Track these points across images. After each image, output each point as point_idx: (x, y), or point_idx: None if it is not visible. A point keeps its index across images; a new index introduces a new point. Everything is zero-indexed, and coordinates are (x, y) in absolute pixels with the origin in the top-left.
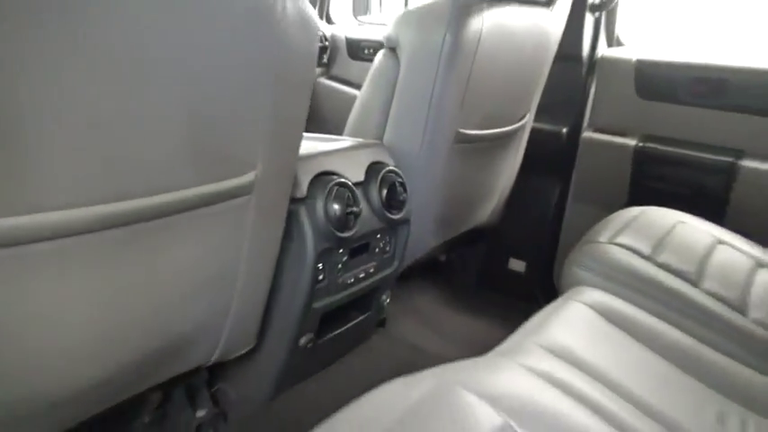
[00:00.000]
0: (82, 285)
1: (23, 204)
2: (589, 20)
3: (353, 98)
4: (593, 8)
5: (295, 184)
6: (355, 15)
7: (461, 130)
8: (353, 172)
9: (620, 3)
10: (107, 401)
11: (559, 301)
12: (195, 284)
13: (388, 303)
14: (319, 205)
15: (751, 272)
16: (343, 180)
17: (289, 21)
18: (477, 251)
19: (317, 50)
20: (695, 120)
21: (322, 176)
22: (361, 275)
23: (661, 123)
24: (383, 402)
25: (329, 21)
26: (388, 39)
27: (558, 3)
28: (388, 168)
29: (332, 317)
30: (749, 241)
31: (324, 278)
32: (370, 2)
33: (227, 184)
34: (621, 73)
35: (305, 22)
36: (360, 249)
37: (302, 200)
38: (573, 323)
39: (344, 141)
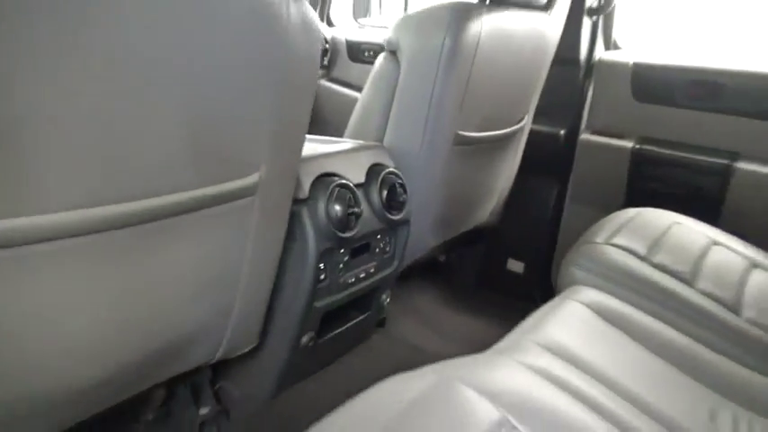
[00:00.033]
0: (84, 286)
1: (23, 206)
2: (587, 24)
3: (354, 100)
4: (591, 12)
5: (297, 185)
6: (355, 18)
7: (460, 133)
8: (354, 173)
9: (616, 7)
10: (110, 400)
11: (557, 300)
12: (199, 284)
13: (388, 303)
14: (321, 206)
15: (745, 272)
16: (344, 181)
17: (292, 25)
18: (476, 252)
19: (319, 54)
20: (691, 122)
21: (324, 178)
22: (362, 275)
23: (657, 126)
24: (384, 397)
25: (329, 23)
26: (389, 42)
27: (556, 6)
28: (388, 170)
29: (333, 316)
30: (744, 242)
31: (325, 278)
32: (370, 4)
33: (231, 186)
34: (618, 76)
35: (308, 26)
36: (360, 249)
37: (304, 201)
38: (570, 322)
39: (345, 143)
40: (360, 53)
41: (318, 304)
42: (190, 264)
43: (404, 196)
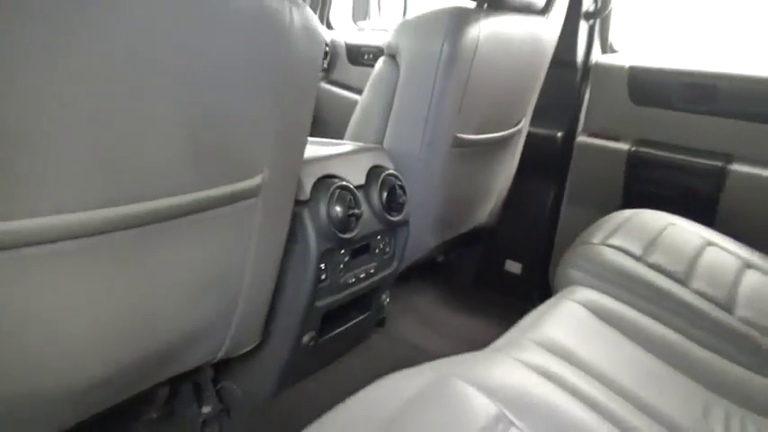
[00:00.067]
0: (86, 286)
1: (24, 208)
2: (583, 27)
3: (353, 102)
4: (588, 16)
5: (299, 186)
6: (355, 21)
7: (459, 135)
8: (355, 175)
9: (613, 10)
10: (113, 399)
11: (553, 299)
12: (202, 284)
13: (387, 303)
14: (322, 207)
15: (739, 272)
16: (344, 183)
17: (295, 31)
18: (475, 252)
19: (321, 59)
20: (686, 125)
21: (325, 179)
22: (362, 275)
23: (653, 128)
24: (384, 394)
25: (329, 26)
26: (389, 46)
27: (553, 10)
28: (388, 172)
29: (333, 316)
30: (738, 243)
31: (326, 278)
32: (369, 7)
33: (235, 188)
34: (615, 79)
35: (310, 32)
36: (361, 250)
37: (306, 202)
38: (566, 321)
39: (346, 145)
40: (359, 56)
41: (319, 304)
42: (194, 264)
43: (403, 198)
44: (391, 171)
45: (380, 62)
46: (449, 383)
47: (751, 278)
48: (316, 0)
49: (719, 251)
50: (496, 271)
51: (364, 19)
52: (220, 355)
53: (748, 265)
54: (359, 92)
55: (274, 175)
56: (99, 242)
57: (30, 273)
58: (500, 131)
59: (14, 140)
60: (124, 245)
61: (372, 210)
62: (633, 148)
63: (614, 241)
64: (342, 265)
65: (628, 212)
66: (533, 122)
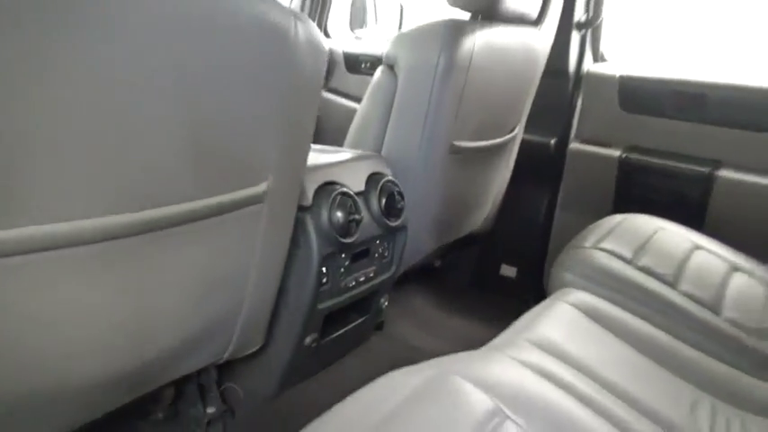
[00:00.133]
0: (96, 290)
1: (32, 216)
2: (575, 37)
3: (351, 110)
4: (579, 26)
5: (301, 193)
6: (352, 29)
7: (455, 142)
8: (355, 182)
9: (603, 21)
10: (122, 399)
11: (547, 301)
12: (209, 287)
13: (386, 306)
14: (324, 213)
15: (726, 275)
16: (345, 189)
17: (299, 44)
18: (471, 257)
19: (324, 71)
20: (676, 132)
21: (326, 186)
22: (362, 279)
23: (644, 135)
24: (385, 390)
25: (327, 35)
26: (387, 57)
27: (545, 21)
28: (386, 179)
29: (334, 319)
30: (725, 246)
31: (327, 281)
32: (366, 15)
33: (241, 194)
34: (606, 87)
35: (314, 45)
36: (361, 254)
37: (308, 208)
38: (560, 321)
39: (346, 153)
40: (357, 64)
41: (321, 306)
42: (200, 268)
43: (401, 203)
44: (390, 178)
45: (379, 72)
46: (447, 380)
47: (738, 281)
48: (314, 9)
49: (707, 254)
50: (492, 275)
51: (361, 27)
52: (226, 356)
53: (735, 268)
54: (356, 100)
55: (279, 182)
56: (107, 248)
57: (39, 278)
58: (495, 138)
59: (16, 151)
60: (132, 250)
61: (372, 215)
62: (624, 155)
63: (606, 245)
64: (342, 269)
65: (619, 217)
66: (527, 129)
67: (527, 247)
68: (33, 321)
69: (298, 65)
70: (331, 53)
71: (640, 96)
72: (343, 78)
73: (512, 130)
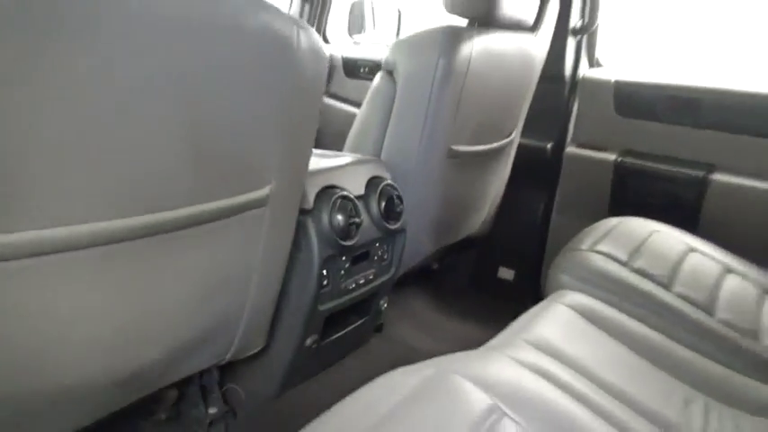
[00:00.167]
0: (103, 292)
1: (39, 219)
2: (571, 43)
3: (349, 114)
4: (575, 32)
5: (303, 196)
6: (350, 34)
7: (453, 147)
8: (355, 185)
9: (599, 27)
10: (127, 398)
11: (544, 303)
12: (212, 289)
13: (385, 308)
14: (324, 216)
15: (720, 277)
16: (345, 193)
17: (302, 52)
18: (469, 260)
19: (325, 77)
20: (670, 136)
21: (327, 190)
22: (362, 281)
23: (639, 139)
24: (385, 389)
25: (326, 40)
26: (386, 62)
27: (542, 27)
28: (386, 182)
29: (334, 320)
30: (719, 249)
31: (328, 283)
32: (364, 21)
33: (245, 198)
34: (602, 92)
35: (316, 53)
36: (360, 257)
37: (309, 211)
38: (556, 322)
39: (346, 157)
40: (356, 69)
41: (322, 308)
42: (204, 270)
43: (400, 207)
44: (389, 181)
45: (378, 77)
46: (447, 379)
47: (731, 282)
48: (313, 15)
49: (701, 257)
50: (490, 277)
51: (360, 33)
52: (228, 356)
53: (729, 270)
54: (355, 104)
55: (281, 186)
56: (110, 251)
57: (43, 281)
58: (492, 143)
59: (17, 155)
60: (135, 253)
61: (371, 218)
62: (619, 159)
63: (602, 247)
64: (343, 272)
65: (614, 220)
66: (524, 134)
67: (524, 249)
68: (38, 323)
69: (300, 72)
70: (330, 58)
71: (635, 101)
72: (342, 83)
73: (509, 135)
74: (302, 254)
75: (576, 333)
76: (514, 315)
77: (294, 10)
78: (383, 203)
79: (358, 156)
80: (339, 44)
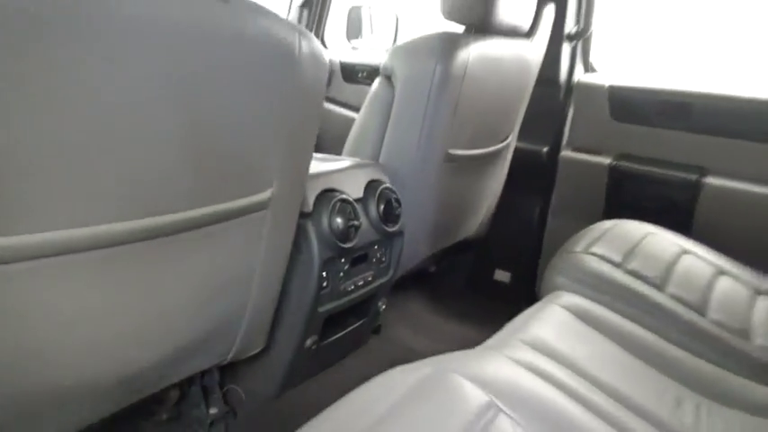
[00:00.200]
0: (107, 292)
1: (46, 222)
2: (566, 49)
3: (348, 119)
4: (570, 38)
5: (303, 199)
6: (348, 39)
7: (450, 151)
8: (354, 189)
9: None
10: (131, 398)
11: (540, 304)
12: (214, 290)
13: (383, 310)
14: (324, 219)
15: (712, 278)
16: (344, 196)
17: (303, 58)
18: (466, 262)
19: (326, 83)
20: (663, 140)
21: (326, 193)
22: (361, 283)
23: (633, 143)
24: (384, 387)
25: (324, 45)
26: (384, 68)
27: (537, 33)
28: (384, 186)
29: (333, 322)
30: (712, 251)
31: (327, 285)
32: (362, 26)
33: (248, 201)
34: (596, 97)
35: (317, 59)
36: (359, 259)
37: (309, 214)
38: (552, 323)
39: (345, 161)
40: (353, 74)
41: (321, 309)
42: (206, 272)
43: (399, 210)
44: (387, 185)
45: (377, 83)
46: (445, 377)
47: (723, 284)
48: (311, 21)
49: (694, 258)
50: (486, 279)
51: (357, 38)
52: (229, 357)
53: (721, 272)
54: (353, 109)
55: (282, 189)
56: (113, 253)
57: (46, 283)
58: (489, 147)
59: (21, 161)
60: (139, 255)
61: (370, 221)
62: (614, 162)
63: (596, 250)
64: (342, 273)
65: (609, 223)
66: (520, 138)
67: (520, 252)
68: (39, 326)
69: (301, 77)
70: (329, 63)
71: (629, 106)
72: (340, 88)
73: (505, 139)
74: (302, 256)
75: (571, 333)
76: (510, 316)
77: (293, 15)
78: (381, 206)
79: (357, 159)
80: (337, 49)
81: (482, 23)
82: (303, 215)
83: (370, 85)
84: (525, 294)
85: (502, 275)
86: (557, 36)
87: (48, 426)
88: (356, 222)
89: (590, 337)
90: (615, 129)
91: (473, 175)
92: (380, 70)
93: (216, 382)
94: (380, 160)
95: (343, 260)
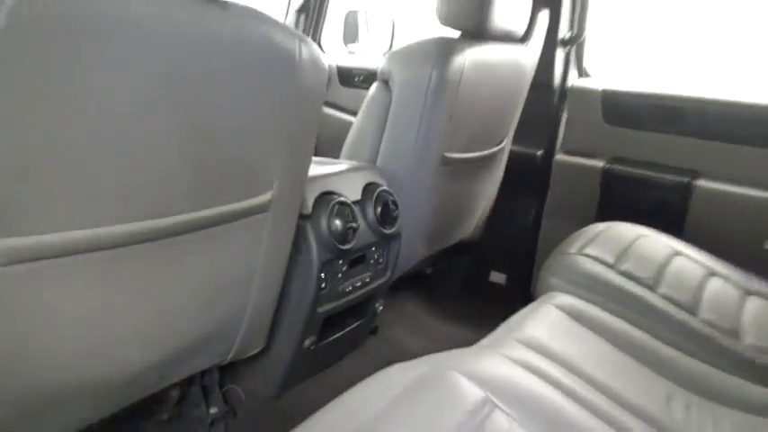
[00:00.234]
0: (110, 292)
1: (54, 223)
2: (560, 54)
3: (344, 122)
4: (564, 43)
5: (302, 202)
6: (345, 43)
7: (446, 154)
8: (351, 191)
9: (587, 39)
10: (133, 398)
11: (534, 304)
12: (216, 290)
13: (381, 311)
14: (323, 221)
15: (703, 279)
16: (342, 199)
17: (304, 63)
18: (461, 264)
19: (325, 87)
20: (656, 143)
21: (325, 196)
22: (358, 284)
23: (626, 147)
24: (382, 384)
25: (321, 49)
26: (381, 72)
27: (532, 39)
28: (381, 188)
29: (332, 323)
30: (704, 252)
31: (326, 286)
32: (358, 30)
33: (249, 203)
34: (590, 101)
35: (316, 64)
36: (357, 260)
37: (308, 216)
38: (546, 322)
39: (343, 164)
40: (350, 78)
41: (320, 310)
42: (208, 272)
43: (396, 212)
44: (384, 188)
45: (374, 87)
46: (442, 374)
47: (714, 285)
48: (308, 25)
49: (686, 260)
50: (482, 281)
51: (354, 42)
52: (230, 357)
53: (712, 273)
54: (349, 112)
55: (283, 191)
56: (117, 254)
57: (48, 283)
58: (484, 150)
59: (29, 168)
60: (141, 256)
61: (368, 223)
62: (607, 166)
63: (590, 251)
64: (340, 274)
65: (602, 225)
66: (515, 142)
67: (515, 254)
68: (40, 327)
69: (301, 82)
70: None
71: (622, 110)
72: (337, 92)
73: (500, 143)
74: (302, 257)
75: (565, 332)
76: (505, 317)
77: (290, 20)
78: (379, 209)
79: (354, 163)
80: (334, 53)
81: (477, 29)
82: (302, 217)
83: (366, 89)
84: (520, 296)
85: (497, 277)
86: (551, 41)
87: (48, 426)
88: (354, 224)
89: (583, 336)
90: (608, 132)
91: (469, 177)
92: (378, 75)
93: (216, 382)
94: (378, 163)
95: (341, 261)
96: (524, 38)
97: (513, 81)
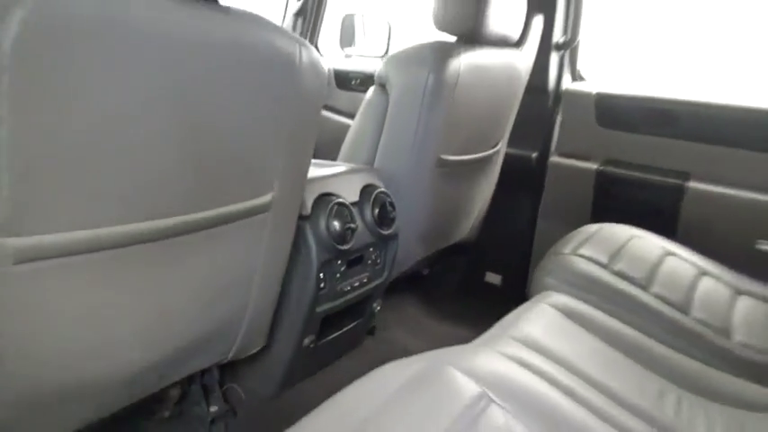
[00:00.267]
0: (112, 292)
1: (59, 224)
2: (554, 58)
3: (341, 125)
4: (558, 47)
5: (301, 203)
6: (342, 46)
7: (443, 156)
8: (350, 193)
9: (580, 43)
10: (134, 397)
11: (529, 303)
12: (217, 290)
13: (378, 311)
14: (322, 222)
15: (695, 279)
16: (341, 200)
17: (304, 67)
18: (458, 265)
19: (325, 90)
20: (649, 146)
21: (324, 197)
22: (357, 284)
23: (619, 149)
24: (380, 381)
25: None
26: (379, 76)
27: (526, 43)
28: (379, 190)
29: (330, 322)
30: (695, 253)
31: (325, 286)
32: (355, 33)
33: (250, 204)
34: (584, 104)
35: (316, 68)
36: (355, 261)
37: (308, 217)
38: (540, 321)
39: (341, 166)
40: (347, 81)
41: (319, 309)
42: (209, 272)
43: (393, 213)
44: (382, 189)
45: (372, 90)
46: (439, 370)
47: (706, 284)
48: (306, 29)
49: (678, 260)
50: (478, 282)
51: (351, 45)
52: (230, 356)
53: (703, 273)
54: (346, 115)
55: (283, 192)
56: (117, 255)
57: (49, 283)
58: (480, 153)
59: (34, 169)
60: (142, 256)
61: (365, 224)
62: (601, 168)
63: (584, 251)
64: (339, 275)
65: (596, 226)
66: (510, 144)
67: (511, 255)
68: (41, 327)
69: (302, 87)
70: None
71: (616, 113)
72: (334, 95)
73: (495, 145)
74: (301, 257)
75: (559, 330)
76: (500, 318)
77: (287, 23)
78: (376, 210)
79: (352, 165)
80: (331, 56)
81: (473, 34)
82: (302, 218)
83: (363, 92)
84: (515, 296)
85: (493, 278)
86: (545, 46)
87: (49, 425)
88: (352, 225)
89: (577, 334)
90: (602, 135)
91: (465, 179)
92: (375, 78)
93: (216, 381)
94: (375, 165)
95: (339, 262)
96: (519, 42)
97: (508, 84)
